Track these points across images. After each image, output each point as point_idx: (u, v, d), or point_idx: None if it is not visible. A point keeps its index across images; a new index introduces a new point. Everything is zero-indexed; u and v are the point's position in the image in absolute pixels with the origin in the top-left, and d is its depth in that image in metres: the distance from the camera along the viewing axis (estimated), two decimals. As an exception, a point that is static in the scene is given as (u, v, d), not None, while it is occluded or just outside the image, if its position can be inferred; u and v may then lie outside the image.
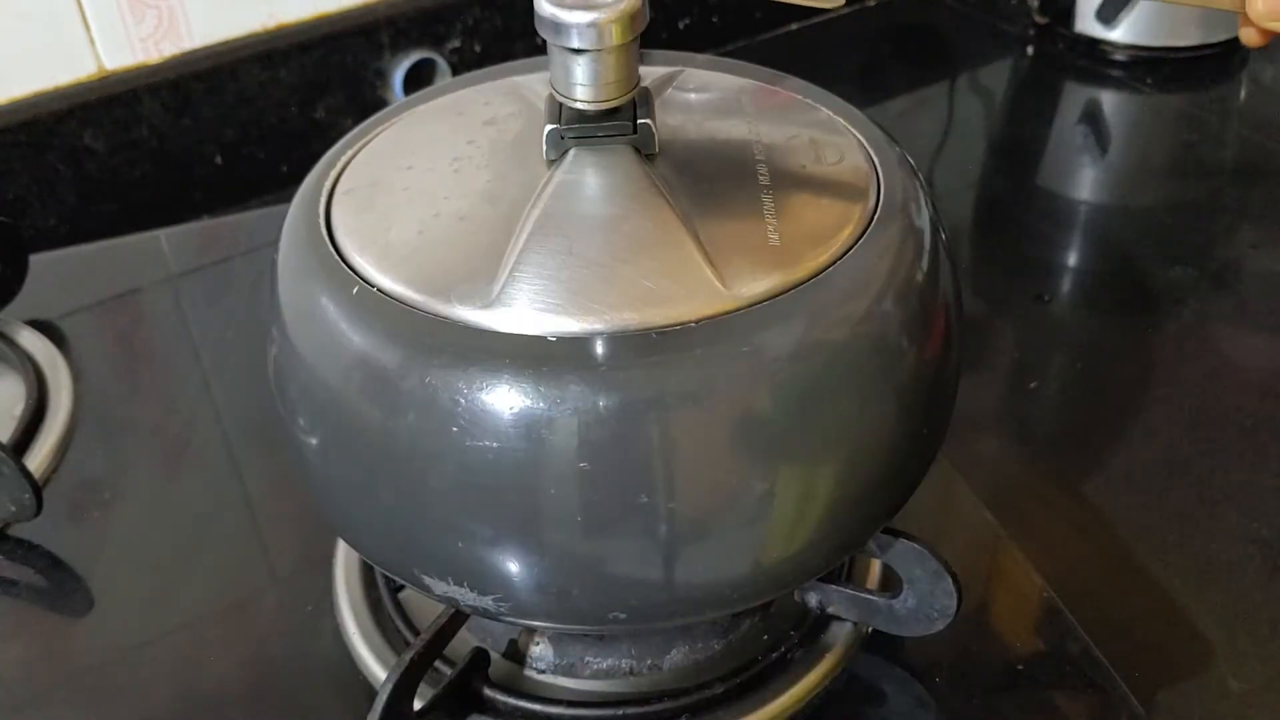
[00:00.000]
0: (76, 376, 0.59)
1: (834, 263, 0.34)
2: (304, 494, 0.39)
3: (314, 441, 0.36)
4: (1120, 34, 0.84)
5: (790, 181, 0.36)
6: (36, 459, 0.54)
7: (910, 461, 0.37)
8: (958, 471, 0.52)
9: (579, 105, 0.35)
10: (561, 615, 0.35)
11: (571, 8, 0.33)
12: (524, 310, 0.32)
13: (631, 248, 0.34)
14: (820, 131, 0.39)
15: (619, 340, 0.32)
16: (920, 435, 0.36)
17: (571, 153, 0.36)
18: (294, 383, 0.36)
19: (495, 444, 0.31)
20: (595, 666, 0.43)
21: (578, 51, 0.34)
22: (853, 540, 0.37)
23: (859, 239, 0.35)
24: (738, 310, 0.32)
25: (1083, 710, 0.43)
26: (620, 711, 0.41)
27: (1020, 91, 0.88)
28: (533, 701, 0.41)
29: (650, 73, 0.44)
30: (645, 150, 0.36)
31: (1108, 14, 0.84)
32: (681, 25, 0.87)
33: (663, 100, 0.40)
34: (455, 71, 0.78)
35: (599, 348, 0.32)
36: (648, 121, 0.36)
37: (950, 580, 0.40)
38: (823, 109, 0.41)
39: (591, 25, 0.33)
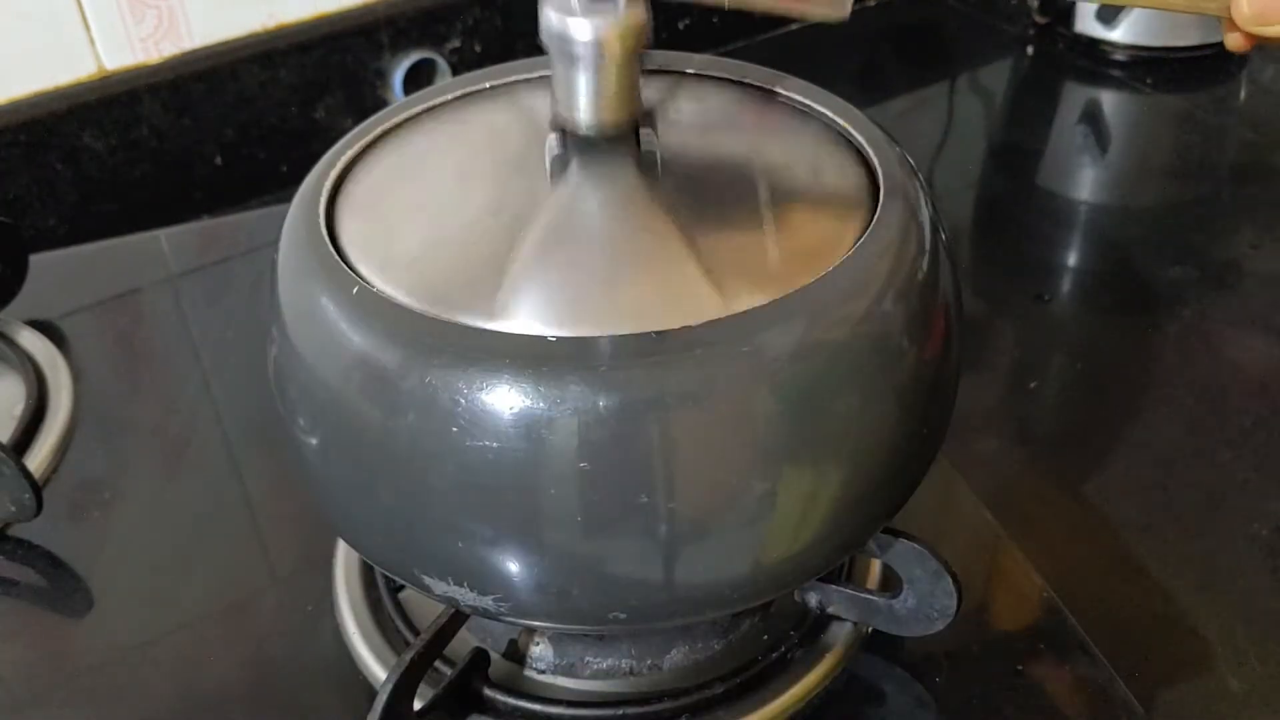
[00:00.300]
0: (76, 376, 0.59)
1: (834, 264, 0.34)
2: (304, 494, 0.39)
3: (314, 441, 0.36)
4: (1120, 34, 0.85)
5: (790, 198, 0.36)
6: (36, 459, 0.54)
7: (910, 461, 0.37)
8: (958, 471, 0.52)
9: (582, 124, 0.35)
10: (561, 615, 0.35)
11: (575, 24, 0.33)
12: (525, 320, 0.32)
13: (632, 264, 0.34)
14: (820, 146, 0.39)
15: (619, 340, 0.32)
16: (920, 435, 0.36)
17: (574, 169, 0.36)
18: (294, 383, 0.36)
19: (495, 444, 0.31)
20: (595, 666, 0.43)
21: (581, 70, 0.34)
22: (853, 540, 0.37)
23: (859, 239, 0.35)
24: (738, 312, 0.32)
25: (1083, 710, 0.43)
26: (620, 711, 0.41)
27: (1020, 91, 0.88)
28: (533, 701, 0.41)
29: (651, 79, 0.45)
30: (648, 168, 0.36)
31: (1108, 14, 0.84)
32: (681, 25, 0.87)
33: (664, 113, 0.40)
34: (455, 71, 0.78)
35: (599, 348, 0.32)
36: (650, 141, 0.36)
37: (950, 580, 0.40)
38: (822, 114, 0.41)
39: (595, 42, 0.33)
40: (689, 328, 0.33)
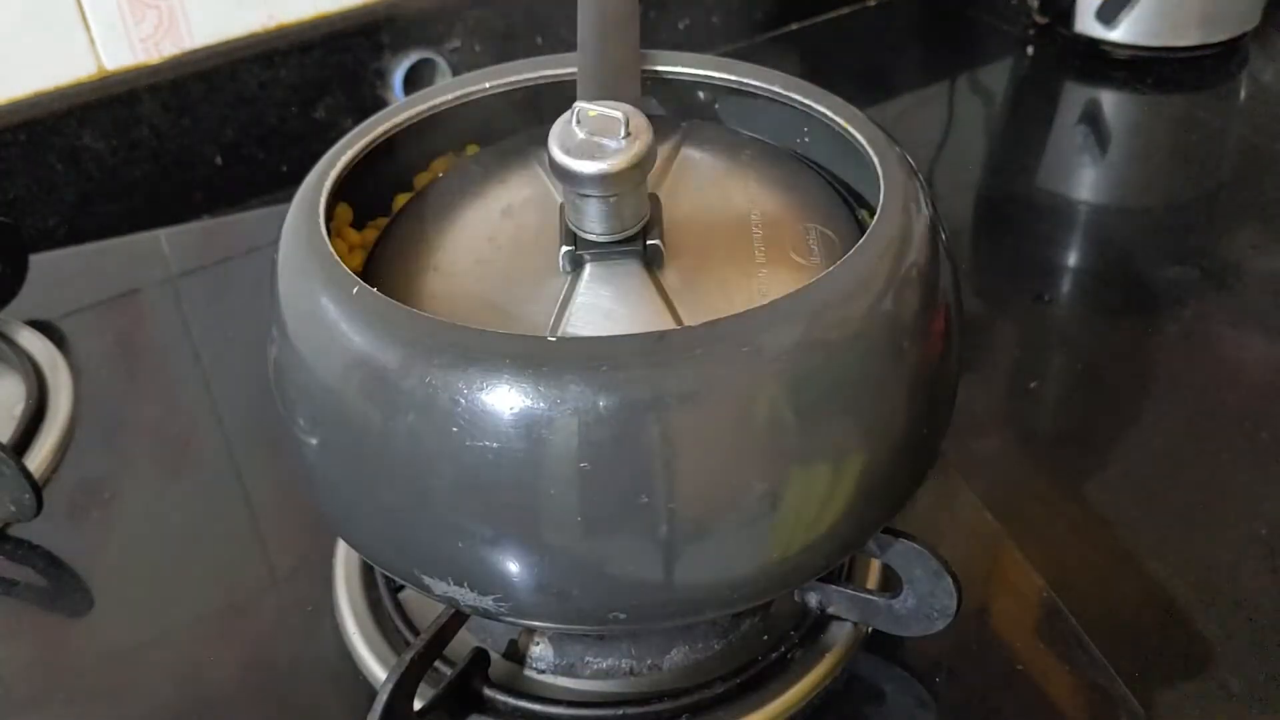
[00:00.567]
0: (76, 376, 0.59)
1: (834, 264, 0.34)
2: (304, 494, 0.39)
3: (314, 441, 0.36)
4: (1120, 34, 0.84)
5: (789, 281, 0.37)
6: (36, 459, 0.54)
7: (910, 461, 0.37)
8: (958, 471, 0.52)
9: (591, 238, 0.36)
10: (562, 615, 0.35)
11: (579, 164, 0.34)
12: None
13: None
14: (822, 210, 0.40)
15: (619, 340, 0.32)
16: (920, 435, 0.36)
17: (586, 269, 0.37)
18: (294, 383, 0.36)
19: (495, 444, 0.31)
20: (595, 666, 0.43)
21: (589, 200, 0.35)
22: (853, 540, 0.37)
23: (859, 240, 0.35)
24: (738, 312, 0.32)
25: (1083, 710, 0.43)
26: (620, 711, 0.41)
27: (1020, 91, 0.88)
28: (533, 701, 0.41)
29: (656, 94, 0.46)
30: (654, 266, 0.37)
31: (1108, 14, 0.84)
32: (681, 25, 0.87)
33: (668, 178, 0.41)
34: (455, 71, 0.78)
35: (599, 348, 0.32)
36: (657, 243, 0.36)
37: (950, 580, 0.40)
38: (822, 114, 0.41)
39: (601, 175, 0.34)
40: (689, 328, 0.33)
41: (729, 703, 0.42)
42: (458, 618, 0.40)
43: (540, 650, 0.43)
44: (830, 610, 0.43)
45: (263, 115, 0.74)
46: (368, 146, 0.41)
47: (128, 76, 0.69)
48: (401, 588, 0.46)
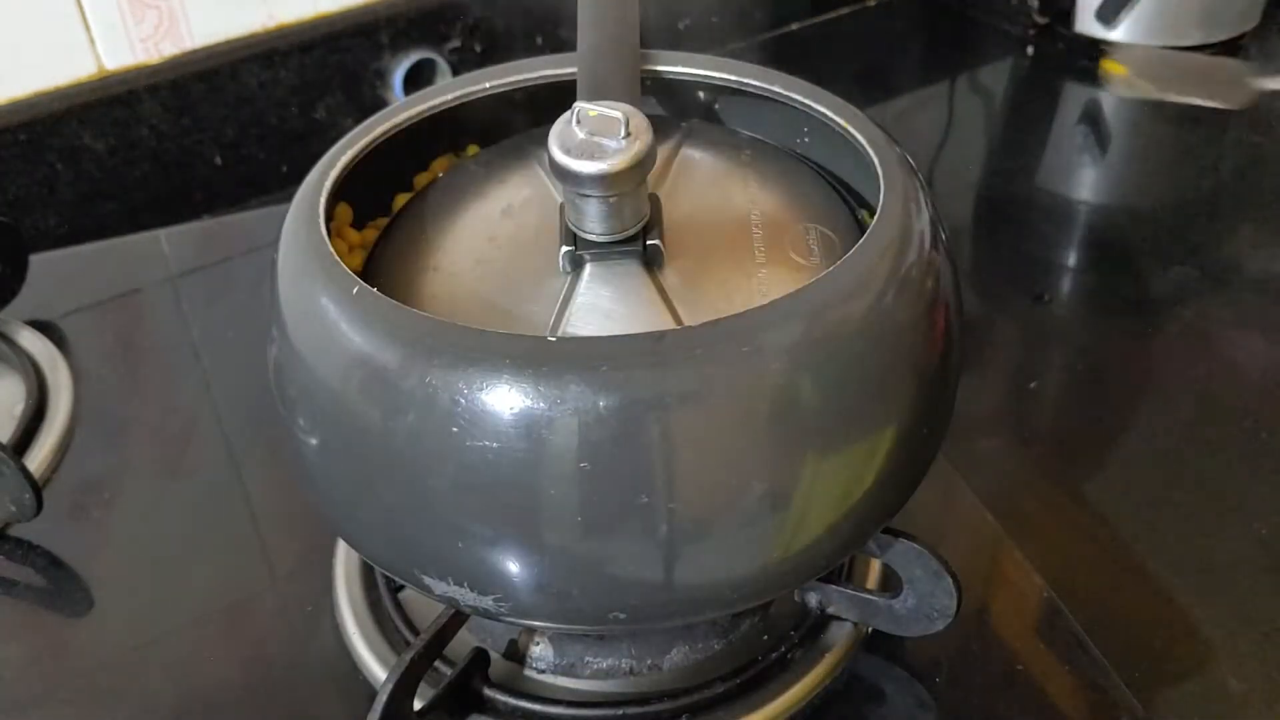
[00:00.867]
0: (76, 376, 0.59)
1: (834, 264, 0.34)
2: (304, 494, 0.39)
3: (314, 441, 0.36)
4: (1120, 34, 0.85)
5: (789, 281, 0.37)
6: (36, 459, 0.54)
7: (910, 461, 0.37)
8: (958, 471, 0.52)
9: (591, 238, 0.36)
10: (562, 615, 0.35)
11: (579, 164, 0.34)
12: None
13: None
14: (822, 210, 0.40)
15: (619, 340, 0.32)
16: (920, 435, 0.36)
17: (586, 269, 0.37)
18: (294, 383, 0.36)
19: (495, 444, 0.31)
20: (595, 666, 0.43)
21: (589, 200, 0.35)
22: (853, 540, 0.37)
23: (859, 240, 0.35)
24: (738, 312, 0.32)
25: (1083, 710, 0.43)
26: (620, 711, 0.41)
27: (1020, 91, 0.88)
28: (533, 701, 0.41)
29: (656, 94, 0.46)
30: (654, 266, 0.37)
31: (1108, 14, 0.84)
32: (682, 25, 0.87)
33: (668, 178, 0.41)
34: (455, 71, 0.78)
35: (599, 348, 0.32)
36: (657, 243, 0.36)
37: (950, 580, 0.40)
38: (822, 114, 0.41)
39: (601, 176, 0.33)
40: (689, 328, 0.33)
41: (729, 703, 0.42)
42: (458, 618, 0.40)
43: (540, 650, 0.43)
44: (830, 610, 0.43)
45: (263, 115, 0.74)
46: (368, 146, 0.41)
47: (128, 76, 0.69)
48: (401, 588, 0.46)
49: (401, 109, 0.42)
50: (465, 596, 0.35)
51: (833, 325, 0.33)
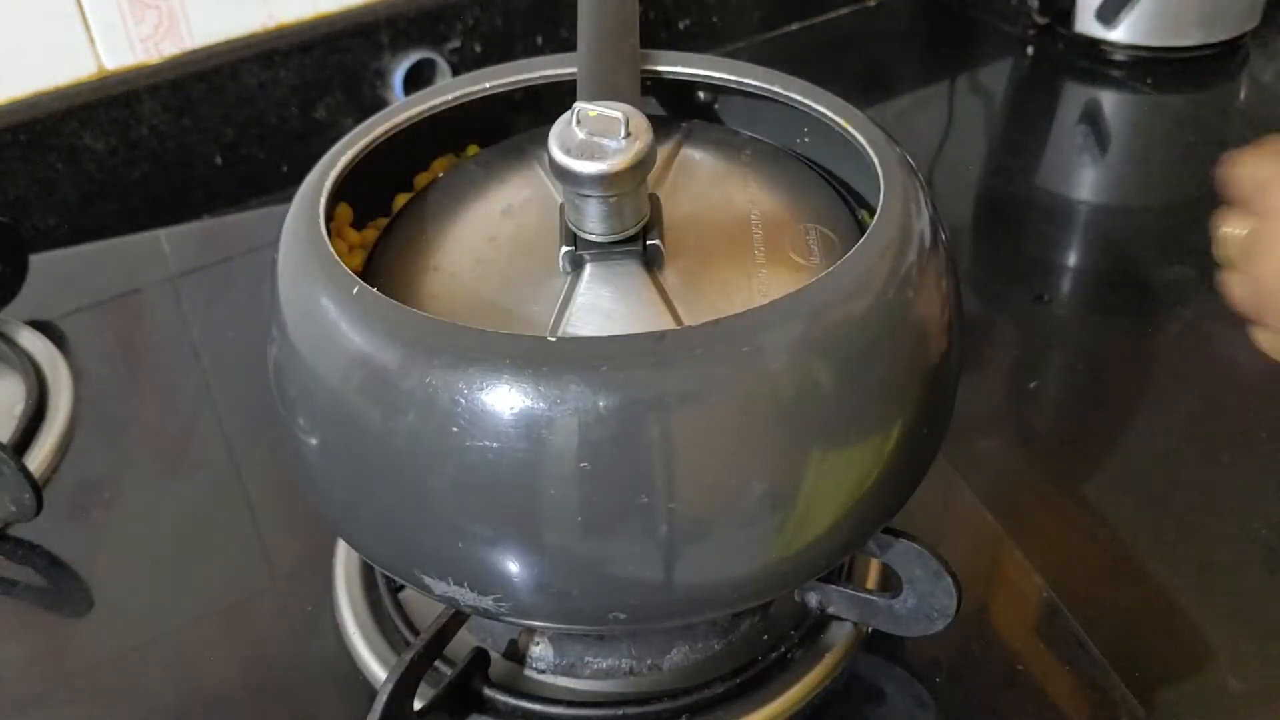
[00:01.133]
0: (76, 376, 0.59)
1: (834, 264, 0.34)
2: (304, 494, 0.39)
3: (314, 441, 0.36)
4: (1120, 34, 0.85)
5: (789, 281, 0.37)
6: (36, 459, 0.54)
7: (910, 461, 0.37)
8: (958, 471, 0.52)
9: (591, 238, 0.36)
10: (562, 615, 0.35)
11: (579, 164, 0.33)
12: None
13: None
14: (822, 210, 0.40)
15: (619, 341, 0.32)
16: (920, 435, 0.36)
17: (586, 269, 0.37)
18: (294, 383, 0.36)
19: (495, 444, 0.31)
20: (595, 666, 0.43)
21: (589, 200, 0.35)
22: (853, 540, 0.37)
23: (859, 240, 0.35)
24: (738, 312, 0.32)
25: (1083, 710, 0.43)
26: (620, 711, 0.41)
27: (1020, 91, 0.88)
28: (533, 701, 0.41)
29: (656, 94, 0.46)
30: (654, 266, 0.37)
31: (1108, 14, 0.84)
32: (681, 25, 0.87)
33: (668, 178, 0.41)
34: (455, 71, 0.78)
35: (599, 348, 0.32)
36: (657, 243, 0.36)
37: (950, 580, 0.40)
38: (822, 114, 0.41)
39: (601, 176, 0.33)
40: (689, 328, 0.33)
41: (729, 703, 0.42)
42: (458, 618, 0.40)
43: (540, 650, 0.43)
44: (830, 610, 0.43)
45: (263, 115, 0.74)
46: (368, 146, 0.41)
47: (128, 76, 0.69)
48: (401, 588, 0.46)
49: (401, 109, 0.42)
50: (465, 596, 0.35)
51: (833, 325, 0.33)
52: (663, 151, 0.41)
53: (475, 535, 0.33)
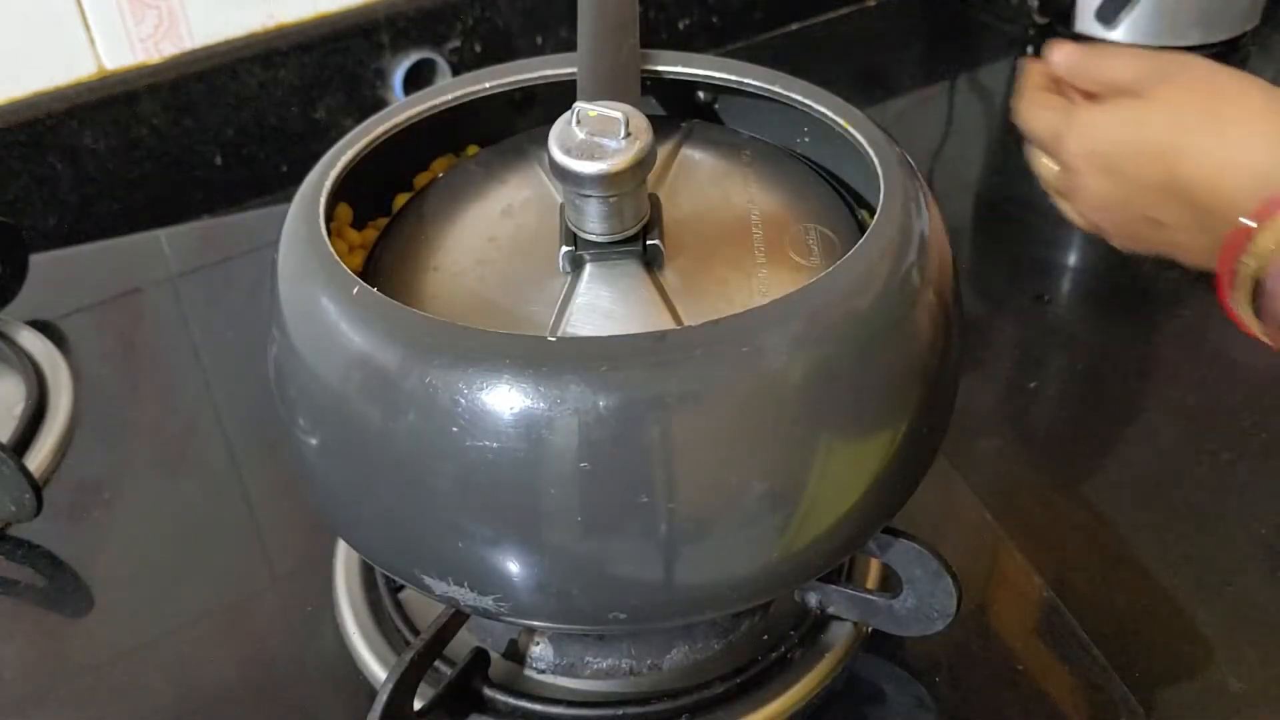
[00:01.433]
0: (76, 376, 0.59)
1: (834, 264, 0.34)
2: (304, 494, 0.39)
3: (314, 441, 0.36)
4: (1120, 34, 0.84)
5: (789, 281, 0.37)
6: (36, 459, 0.54)
7: (910, 461, 0.37)
8: (958, 471, 0.52)
9: (591, 238, 0.36)
10: (562, 615, 0.35)
11: (579, 165, 0.34)
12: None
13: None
14: (822, 210, 0.40)
15: (619, 341, 0.32)
16: (920, 435, 0.36)
17: (587, 269, 0.37)
18: (294, 383, 0.36)
19: (495, 444, 0.31)
20: (595, 666, 0.43)
21: (589, 200, 0.35)
22: (853, 540, 0.37)
23: (859, 240, 0.35)
24: (738, 312, 0.32)
25: (1083, 710, 0.43)
26: (620, 711, 0.41)
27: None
28: (533, 701, 0.41)
29: (656, 94, 0.46)
30: (654, 266, 0.37)
31: (1108, 14, 0.84)
32: (681, 25, 0.87)
33: (668, 178, 0.41)
34: (455, 71, 0.78)
35: (599, 348, 0.32)
36: (657, 243, 0.36)
37: (950, 580, 0.40)
38: (822, 114, 0.41)
39: (601, 176, 0.33)
40: (689, 328, 0.33)
41: (729, 703, 0.42)
42: (458, 618, 0.40)
43: (540, 650, 0.43)
44: (830, 610, 0.43)
45: (263, 115, 0.74)
46: (368, 146, 0.41)
47: (128, 76, 0.69)
48: (401, 588, 0.46)
49: (401, 109, 0.42)
50: (465, 596, 0.35)
51: (833, 325, 0.33)
52: (663, 151, 0.41)
53: (475, 535, 0.33)
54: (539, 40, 0.81)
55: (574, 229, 0.36)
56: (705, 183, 0.41)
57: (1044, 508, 0.52)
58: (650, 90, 0.46)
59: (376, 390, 0.33)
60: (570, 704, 0.42)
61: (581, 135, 0.34)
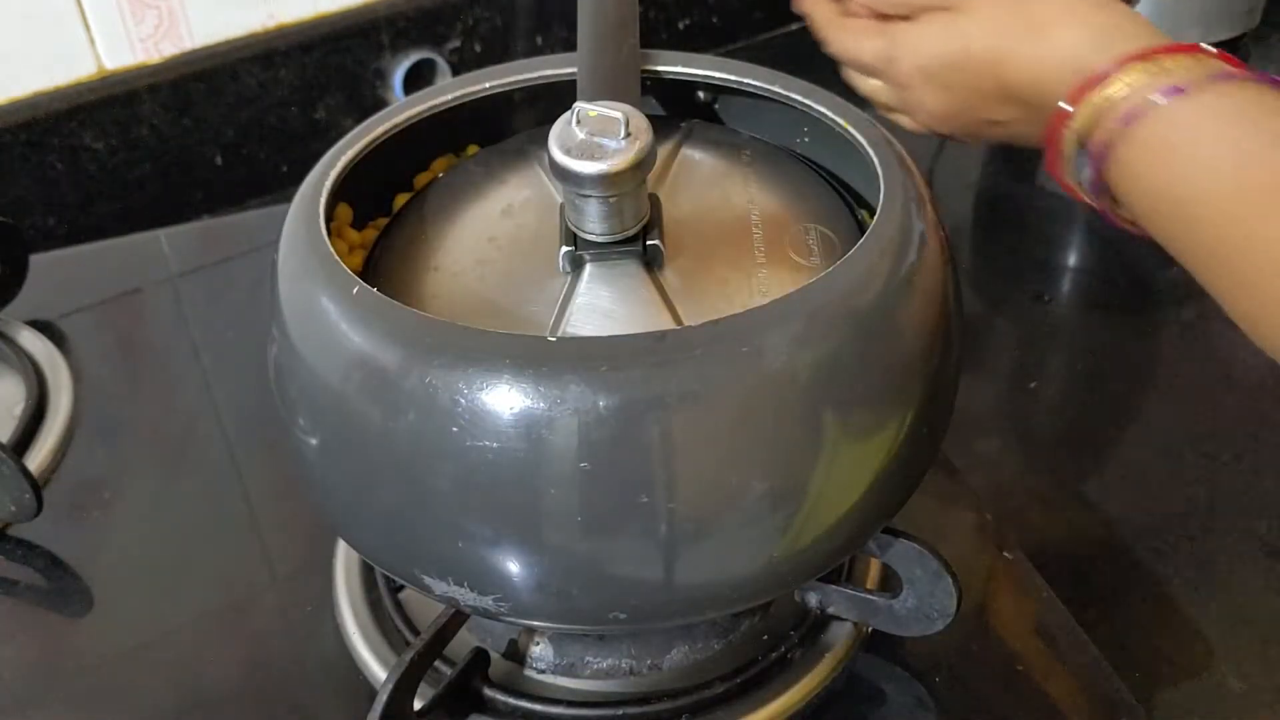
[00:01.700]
0: (76, 376, 0.59)
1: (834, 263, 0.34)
2: (304, 494, 0.39)
3: (314, 441, 0.36)
4: (1120, 34, 0.84)
5: (789, 281, 0.37)
6: (36, 459, 0.54)
7: (910, 461, 0.37)
8: (958, 471, 0.52)
9: (591, 238, 0.36)
10: (562, 615, 0.35)
11: (579, 165, 0.33)
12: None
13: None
14: (822, 210, 0.40)
15: (619, 341, 0.32)
16: (920, 435, 0.36)
17: (587, 269, 0.37)
18: (294, 383, 0.36)
19: (495, 444, 0.31)
20: (595, 666, 0.43)
21: (589, 201, 0.35)
22: (853, 540, 0.37)
23: (859, 240, 0.35)
24: (738, 312, 0.32)
25: (1083, 710, 0.43)
26: (620, 711, 0.41)
27: (1020, 91, 0.87)
28: (533, 701, 0.41)
29: (656, 94, 0.46)
30: (654, 266, 0.37)
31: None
32: (681, 25, 0.87)
33: (668, 178, 0.41)
34: (455, 71, 0.78)
35: (599, 348, 0.32)
36: (657, 243, 0.36)
37: (950, 580, 0.40)
38: (822, 114, 0.41)
39: (601, 176, 0.33)
40: (689, 328, 0.33)
41: (729, 703, 0.42)
42: (458, 618, 0.40)
43: (540, 650, 0.43)
44: (830, 610, 0.43)
45: (263, 115, 0.74)
46: (368, 146, 0.41)
47: (128, 76, 0.69)
48: (401, 588, 0.46)
49: (401, 109, 0.42)
50: (465, 596, 0.35)
51: (832, 325, 0.33)
52: (663, 151, 0.41)
53: (475, 535, 0.33)
54: (539, 40, 0.81)
55: (574, 229, 0.36)
56: (705, 183, 0.41)
57: (1044, 508, 0.52)
58: (650, 90, 0.46)
59: (376, 390, 0.33)
60: (570, 704, 0.42)
61: (581, 135, 0.34)
